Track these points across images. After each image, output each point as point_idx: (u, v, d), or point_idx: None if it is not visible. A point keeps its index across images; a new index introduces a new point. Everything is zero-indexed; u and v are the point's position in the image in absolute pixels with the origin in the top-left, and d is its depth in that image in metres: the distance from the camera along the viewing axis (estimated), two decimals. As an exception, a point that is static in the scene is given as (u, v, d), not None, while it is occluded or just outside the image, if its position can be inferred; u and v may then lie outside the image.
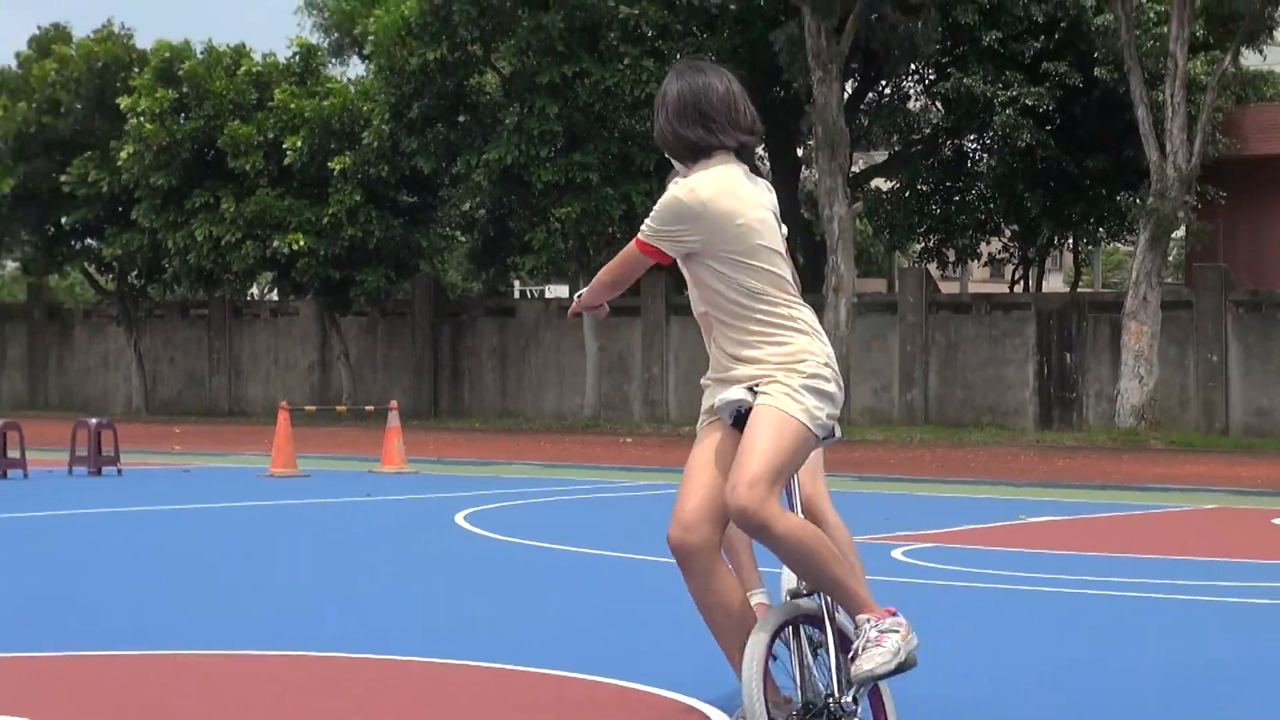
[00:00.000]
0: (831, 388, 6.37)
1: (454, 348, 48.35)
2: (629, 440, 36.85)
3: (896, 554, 14.59)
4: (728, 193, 6.36)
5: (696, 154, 6.48)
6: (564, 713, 7.93)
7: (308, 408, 40.53)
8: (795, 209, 49.95)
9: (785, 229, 7.02)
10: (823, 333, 6.46)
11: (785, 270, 6.47)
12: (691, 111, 6.50)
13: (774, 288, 6.38)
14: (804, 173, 50.78)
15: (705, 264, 6.37)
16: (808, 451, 6.41)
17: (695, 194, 6.31)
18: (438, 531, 16.78)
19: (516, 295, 62.61)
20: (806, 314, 6.44)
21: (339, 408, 41.61)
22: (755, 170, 6.67)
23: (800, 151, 49.70)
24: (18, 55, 50.35)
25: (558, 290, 61.93)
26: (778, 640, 6.33)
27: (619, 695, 8.30)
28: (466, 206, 44.68)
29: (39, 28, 51.06)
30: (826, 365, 6.38)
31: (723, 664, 8.78)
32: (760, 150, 50.08)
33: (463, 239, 48.01)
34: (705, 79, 6.57)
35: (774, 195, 6.61)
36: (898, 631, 6.41)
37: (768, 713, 6.14)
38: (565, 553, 14.86)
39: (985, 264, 61.35)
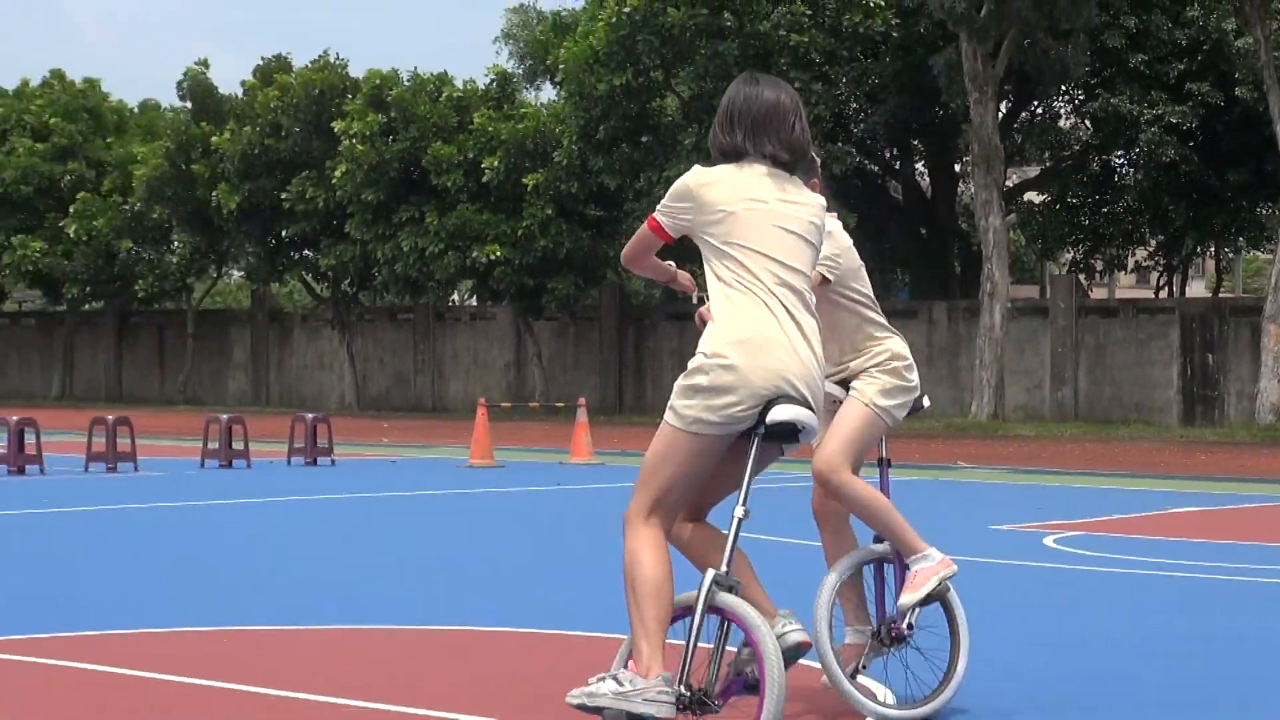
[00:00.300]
0: (702, 380, 6.33)
1: (637, 349, 48.53)
2: (798, 435, 36.71)
3: (1048, 541, 14.52)
4: (722, 184, 6.32)
5: (726, 157, 6.43)
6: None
7: (503, 404, 40.80)
8: (953, 220, 49.74)
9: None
10: (750, 342, 6.19)
11: (760, 273, 6.26)
12: (729, 118, 6.45)
13: (735, 285, 6.25)
14: (961, 187, 50.43)
15: (700, 241, 6.39)
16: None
17: (692, 178, 6.36)
18: (617, 519, 16.85)
19: (694, 300, 62.59)
20: (746, 319, 6.21)
21: (532, 404, 41.90)
22: (823, 191, 6.79)
23: (958, 167, 49.37)
24: (244, 84, 51.15)
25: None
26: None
27: (794, 673, 8.32)
28: (648, 220, 44.74)
29: (263, 58, 51.85)
30: (699, 370, 6.35)
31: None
32: (920, 166, 50.23)
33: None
34: (754, 89, 6.50)
35: (815, 211, 6.49)
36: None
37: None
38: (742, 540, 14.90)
39: (1132, 271, 60.64)
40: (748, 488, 6.25)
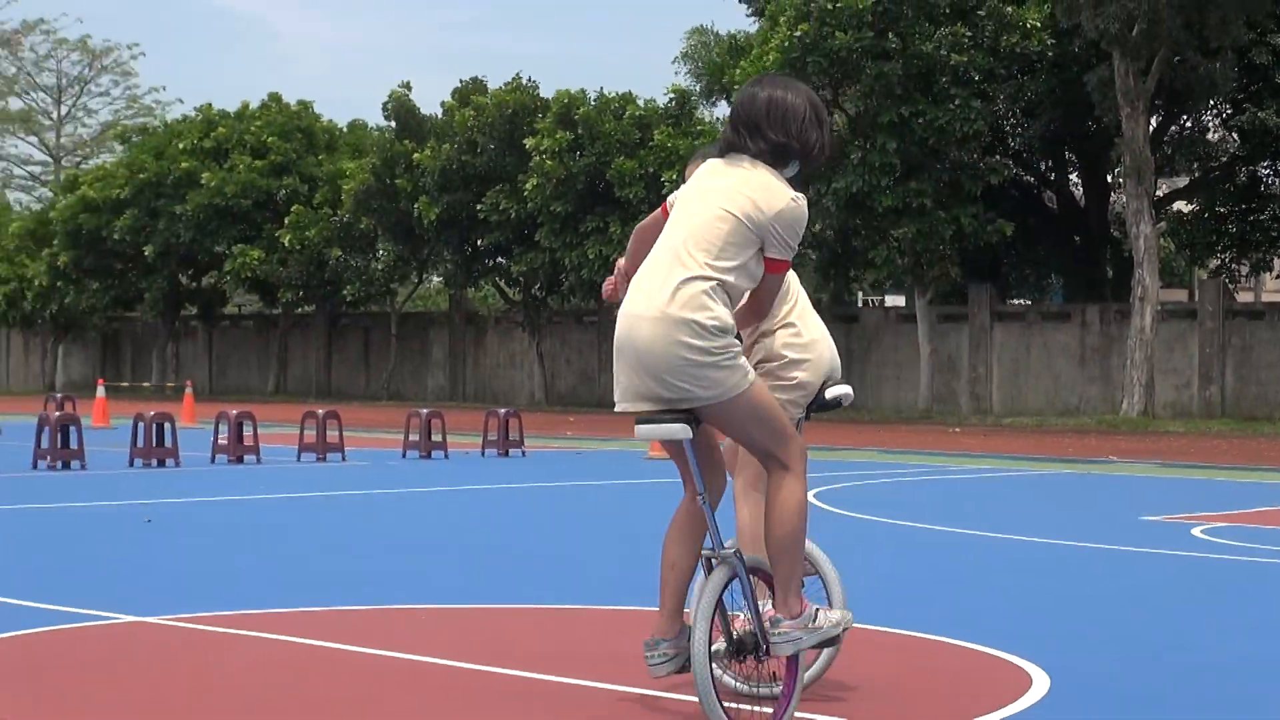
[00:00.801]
0: None
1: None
2: (958, 430, 36.48)
3: (1195, 532, 14.26)
4: (695, 175, 6.32)
5: (722, 151, 6.33)
6: (906, 660, 7.91)
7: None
8: (1105, 228, 49.08)
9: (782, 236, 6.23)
10: (635, 301, 6.08)
11: (660, 245, 6.16)
12: (733, 116, 6.36)
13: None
14: (1113, 197, 49.72)
15: None
16: None
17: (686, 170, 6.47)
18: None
19: (859, 304, 62.31)
20: (639, 283, 6.12)
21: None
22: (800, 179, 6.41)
23: (1110, 178, 48.76)
24: (443, 105, 51.65)
25: (895, 300, 61.55)
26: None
27: (961, 653, 8.26)
28: (817, 228, 44.59)
29: (460, 81, 52.28)
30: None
31: (1050, 628, 8.73)
32: (1073, 177, 49.62)
33: (813, 255, 47.89)
34: (758, 89, 6.35)
35: (747, 193, 6.10)
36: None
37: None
38: (899, 526, 14.80)
39: (1277, 276, 59.41)
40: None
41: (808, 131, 6.36)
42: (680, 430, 6.03)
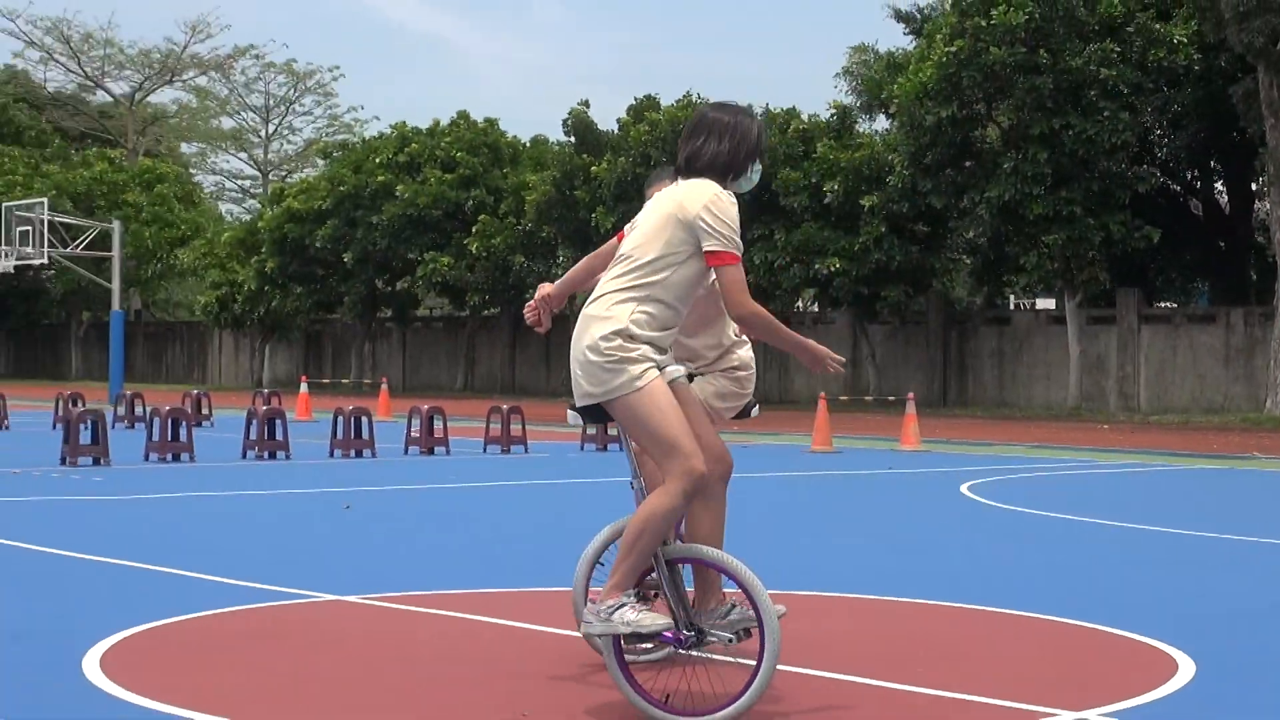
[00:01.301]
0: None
1: (960, 349, 47.97)
2: (1106, 427, 35.94)
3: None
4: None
5: (674, 176, 6.60)
6: (1054, 644, 7.81)
7: (842, 397, 40.69)
8: (1250, 235, 48.13)
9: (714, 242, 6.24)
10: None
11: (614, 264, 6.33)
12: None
13: None
14: (1257, 204, 48.71)
15: None
16: None
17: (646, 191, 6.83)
18: (946, 499, 16.69)
19: (1011, 307, 61.62)
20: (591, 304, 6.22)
21: (867, 397, 41.72)
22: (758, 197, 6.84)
23: (1255, 186, 47.75)
24: (619, 121, 51.82)
25: (1045, 303, 60.76)
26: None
27: (1108, 639, 8.14)
28: (970, 234, 44.24)
29: (635, 99, 52.42)
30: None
31: (1197, 616, 8.58)
32: (1219, 186, 48.66)
33: (967, 261, 47.50)
34: (696, 115, 6.55)
35: (672, 201, 6.27)
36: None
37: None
38: (1049, 518, 14.61)
39: None
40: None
41: (711, 139, 6.42)
42: (571, 417, 6.41)
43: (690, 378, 6.80)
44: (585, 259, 7.09)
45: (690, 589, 6.33)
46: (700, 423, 6.32)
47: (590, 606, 6.08)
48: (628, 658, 6.19)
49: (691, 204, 6.18)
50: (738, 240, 6.16)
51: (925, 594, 9.45)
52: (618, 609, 5.97)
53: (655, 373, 6.10)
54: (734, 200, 6.23)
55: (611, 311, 6.12)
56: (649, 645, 6.65)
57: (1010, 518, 14.74)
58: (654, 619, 5.96)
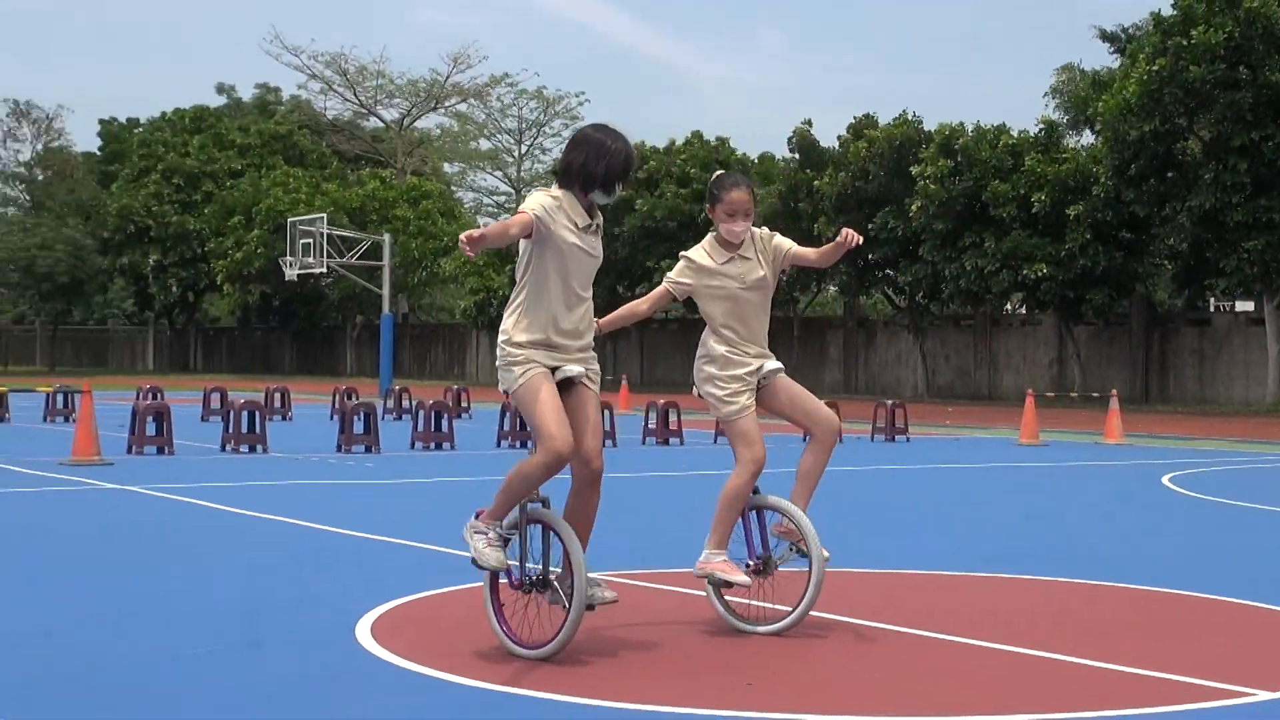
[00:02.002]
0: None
1: (1161, 349, 46.84)
2: (1304, 423, 34.73)
3: None
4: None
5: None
6: (1246, 628, 7.57)
7: (1048, 394, 39.99)
8: None
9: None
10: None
11: None
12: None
13: None
14: None
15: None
16: None
17: None
18: (1146, 490, 16.29)
19: (1211, 309, 59.88)
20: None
21: (1072, 394, 40.86)
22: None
23: None
24: (839, 139, 51.55)
25: (1245, 305, 58.93)
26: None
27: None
28: (1172, 241, 43.09)
29: (854, 118, 52.11)
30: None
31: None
32: None
33: (1169, 265, 46.27)
34: (578, 132, 7.04)
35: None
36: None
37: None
38: (1247, 508, 14.16)
39: None
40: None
41: (576, 153, 6.86)
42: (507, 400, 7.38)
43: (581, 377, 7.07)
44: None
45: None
46: (584, 418, 6.84)
47: (472, 521, 6.82)
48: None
49: (529, 206, 6.78)
50: (530, 203, 6.76)
51: (1126, 579, 9.24)
52: (477, 533, 6.76)
53: (536, 369, 6.74)
54: (556, 195, 6.83)
55: (504, 324, 6.89)
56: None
57: (1210, 507, 14.34)
58: (496, 556, 6.69)
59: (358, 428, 20.91)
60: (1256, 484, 17.53)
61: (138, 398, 25.88)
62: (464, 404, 32.16)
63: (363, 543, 10.62)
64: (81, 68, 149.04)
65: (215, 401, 29.54)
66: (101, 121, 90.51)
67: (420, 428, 21.70)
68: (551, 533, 6.73)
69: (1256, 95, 38.64)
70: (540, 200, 6.77)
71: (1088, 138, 53.22)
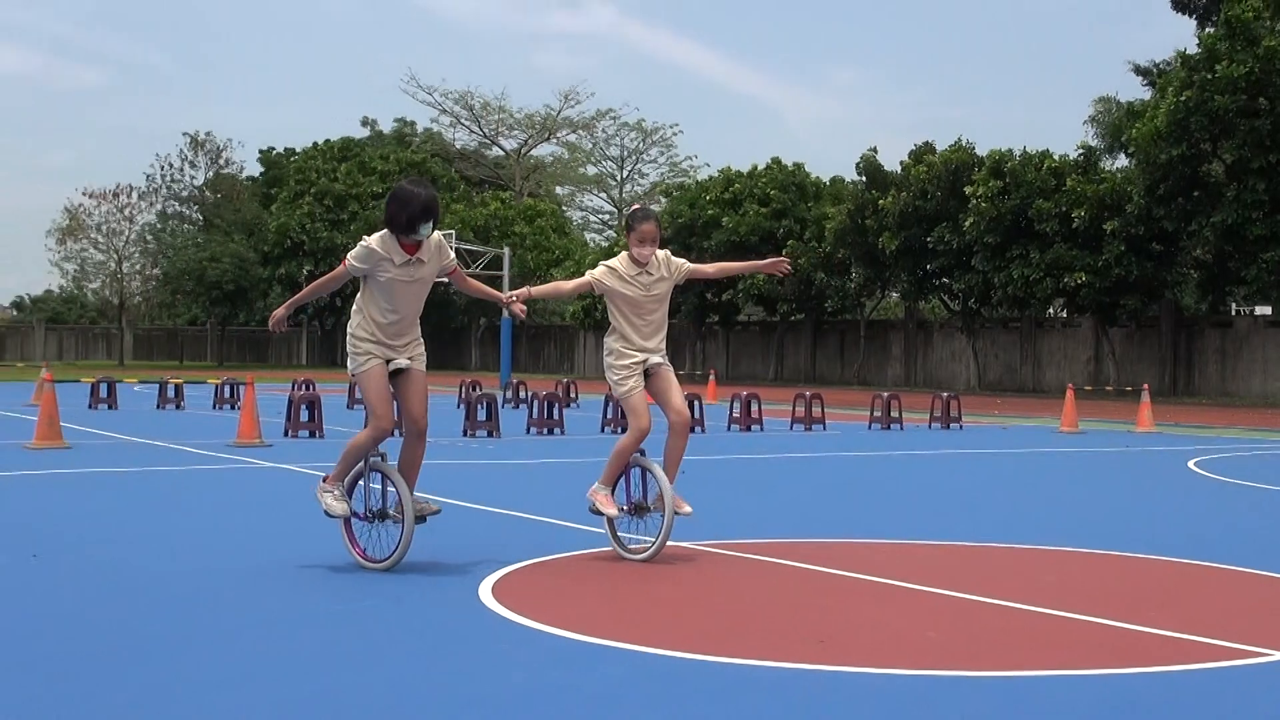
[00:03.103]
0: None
1: (1187, 348, 46.08)
2: (1316, 414, 34.00)
3: None
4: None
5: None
6: (1264, 596, 7.42)
7: (1086, 387, 39.44)
8: None
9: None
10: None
11: None
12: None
13: None
14: None
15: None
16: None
17: None
18: (1173, 473, 16.00)
19: (1233, 313, 58.79)
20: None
21: (1108, 388, 40.28)
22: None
23: None
24: (902, 163, 51.16)
25: (1264, 309, 57.81)
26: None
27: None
28: (1198, 252, 42.37)
29: (915, 145, 51.74)
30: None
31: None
32: None
33: (1195, 274, 45.50)
34: (396, 186, 7.84)
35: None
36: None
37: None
38: (1266, 489, 13.87)
39: None
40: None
41: (388, 206, 7.71)
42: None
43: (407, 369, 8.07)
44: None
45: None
46: (415, 391, 7.88)
47: (320, 484, 7.91)
48: None
49: (349, 257, 7.86)
50: (352, 258, 7.78)
51: (1154, 550, 9.09)
52: (325, 492, 7.86)
53: (374, 360, 7.80)
54: (382, 239, 7.71)
55: (349, 324, 7.93)
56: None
57: (1231, 489, 14.07)
58: (341, 506, 7.80)
59: (481, 415, 21.04)
60: (1273, 468, 17.17)
61: (293, 389, 26.18)
62: (573, 395, 32.25)
63: (484, 515, 10.67)
64: (247, 105, 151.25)
65: (359, 391, 29.68)
66: (262, 151, 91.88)
67: (535, 415, 21.78)
68: (385, 477, 7.85)
69: (1275, 123, 37.96)
70: (357, 254, 7.72)
71: (1122, 161, 52.51)
